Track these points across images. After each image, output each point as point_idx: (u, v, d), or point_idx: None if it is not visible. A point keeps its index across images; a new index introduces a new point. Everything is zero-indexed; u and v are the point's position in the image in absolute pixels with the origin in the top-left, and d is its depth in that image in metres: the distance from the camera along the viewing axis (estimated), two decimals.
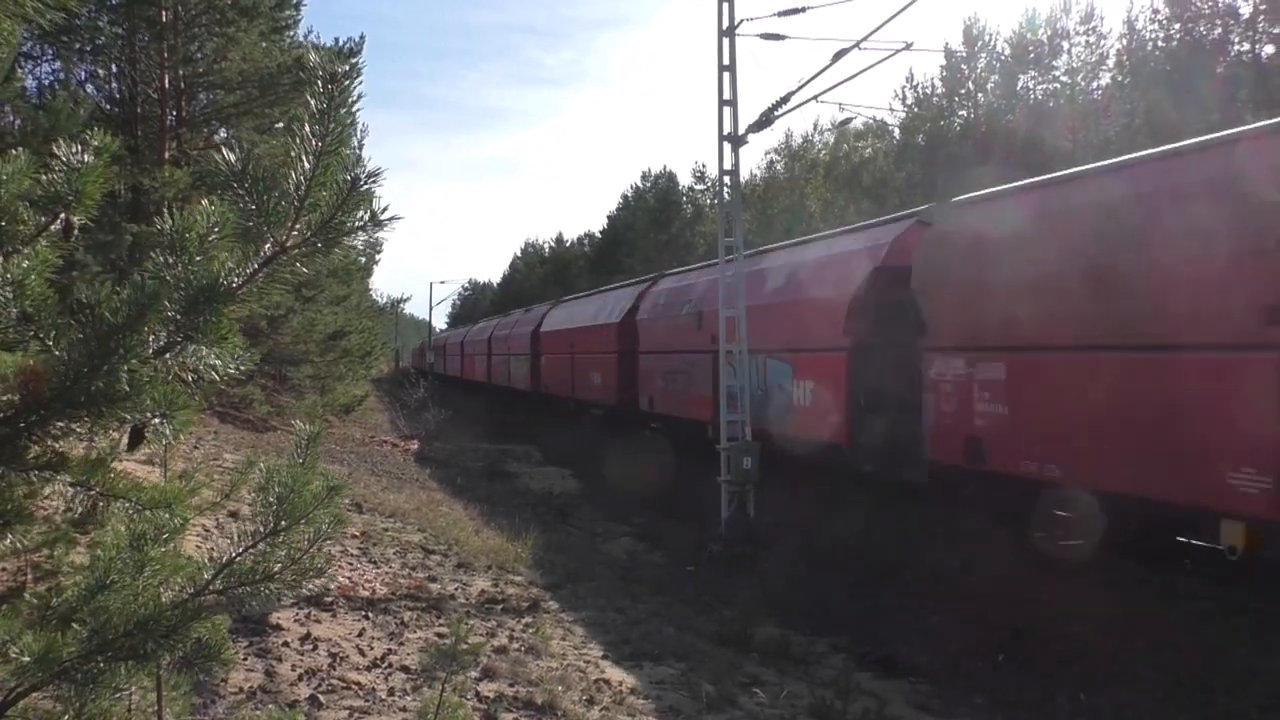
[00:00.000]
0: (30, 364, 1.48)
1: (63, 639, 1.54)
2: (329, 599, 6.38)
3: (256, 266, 1.59)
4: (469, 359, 51.52)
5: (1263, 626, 7.42)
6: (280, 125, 16.10)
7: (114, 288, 1.48)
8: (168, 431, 1.54)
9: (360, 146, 23.43)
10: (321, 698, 4.69)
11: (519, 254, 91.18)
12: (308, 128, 1.53)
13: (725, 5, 13.53)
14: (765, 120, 13.54)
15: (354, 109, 1.60)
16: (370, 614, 6.37)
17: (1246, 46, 29.06)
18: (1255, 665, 6.98)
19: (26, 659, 1.50)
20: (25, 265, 1.52)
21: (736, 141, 13.77)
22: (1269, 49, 28.50)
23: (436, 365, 65.41)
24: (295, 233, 1.59)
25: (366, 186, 1.62)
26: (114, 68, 16.16)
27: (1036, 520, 9.80)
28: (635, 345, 22.02)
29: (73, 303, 1.45)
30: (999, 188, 11.46)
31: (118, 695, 1.71)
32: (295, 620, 5.80)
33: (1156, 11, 31.36)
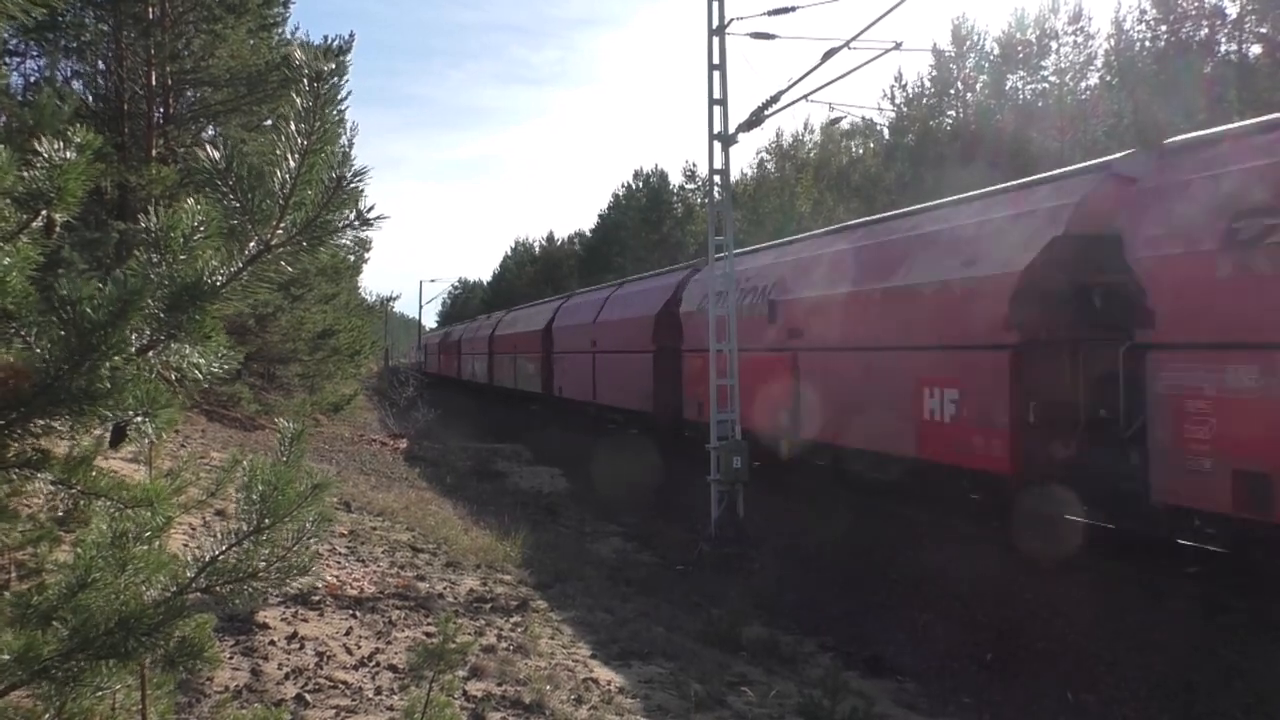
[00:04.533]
0: (11, 361, 1.47)
1: (43, 637, 1.54)
2: (316, 598, 6.37)
3: (241, 265, 1.59)
4: (466, 359, 49.82)
5: (1245, 626, 7.47)
6: (269, 123, 16.06)
7: (96, 284, 1.47)
8: (150, 430, 1.53)
9: (350, 145, 23.29)
10: (308, 696, 4.67)
11: (509, 253, 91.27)
12: (293, 126, 1.53)
13: (715, 4, 13.54)
14: (755, 119, 13.56)
15: (341, 107, 1.60)
16: (358, 613, 6.35)
17: (1234, 47, 29.25)
18: (1238, 664, 7.03)
19: (6, 657, 1.49)
20: (6, 262, 1.51)
21: (727, 140, 13.79)
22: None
23: (429, 365, 64.74)
24: (280, 231, 1.58)
25: (352, 185, 1.62)
26: (100, 64, 16.08)
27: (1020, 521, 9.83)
28: (679, 342, 18.89)
29: (55, 299, 1.44)
30: None
31: (100, 694, 1.70)
32: (282, 619, 5.78)
33: (1144, 12, 31.60)
